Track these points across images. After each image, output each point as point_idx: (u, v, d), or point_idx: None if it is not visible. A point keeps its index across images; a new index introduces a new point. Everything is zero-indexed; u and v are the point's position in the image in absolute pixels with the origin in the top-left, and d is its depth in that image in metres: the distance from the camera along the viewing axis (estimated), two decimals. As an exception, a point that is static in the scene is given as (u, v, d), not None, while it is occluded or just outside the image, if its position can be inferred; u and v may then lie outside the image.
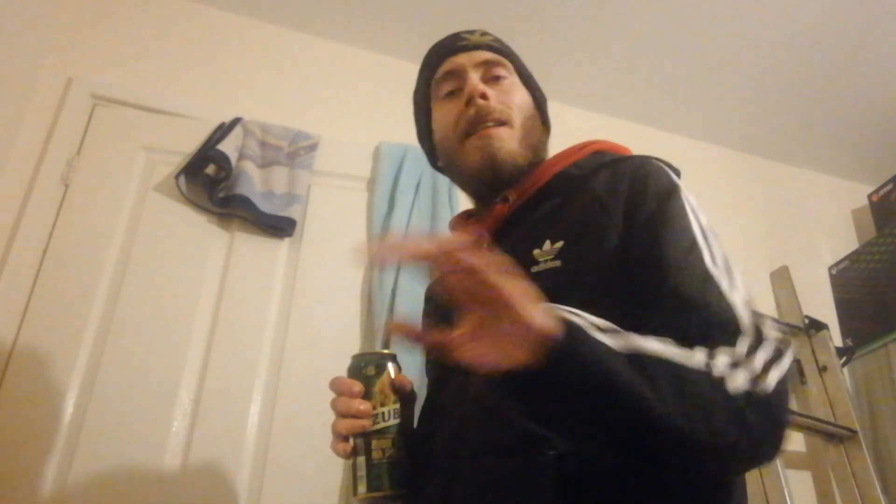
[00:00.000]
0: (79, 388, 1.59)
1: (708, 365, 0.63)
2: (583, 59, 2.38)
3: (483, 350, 0.57)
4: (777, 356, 0.67)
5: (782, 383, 0.65)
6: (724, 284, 0.72)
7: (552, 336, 0.57)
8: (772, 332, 0.69)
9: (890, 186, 2.61)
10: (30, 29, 1.83)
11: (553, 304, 0.61)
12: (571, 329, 0.59)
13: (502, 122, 0.92)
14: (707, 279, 0.72)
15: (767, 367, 0.65)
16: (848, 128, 2.64)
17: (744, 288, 0.74)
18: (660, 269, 0.74)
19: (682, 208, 0.80)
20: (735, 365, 0.64)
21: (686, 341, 0.65)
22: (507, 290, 0.56)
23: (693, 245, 0.76)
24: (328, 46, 2.30)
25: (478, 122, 0.92)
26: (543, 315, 0.58)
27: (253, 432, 1.66)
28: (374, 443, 0.80)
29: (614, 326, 0.63)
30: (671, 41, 2.31)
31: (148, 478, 1.54)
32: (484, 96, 0.92)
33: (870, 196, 2.69)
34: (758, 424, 0.62)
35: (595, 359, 0.58)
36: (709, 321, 0.69)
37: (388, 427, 0.80)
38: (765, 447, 0.65)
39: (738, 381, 0.63)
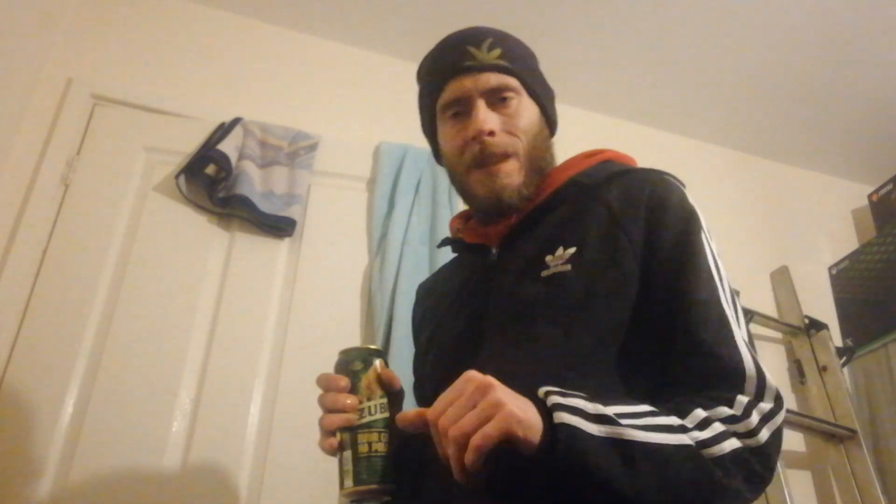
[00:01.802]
0: (79, 388, 1.59)
1: (697, 435, 0.68)
2: (584, 59, 2.38)
3: (473, 423, 0.62)
4: (773, 411, 0.73)
5: (774, 435, 0.73)
6: (734, 328, 0.78)
7: (544, 434, 0.63)
8: (771, 383, 0.75)
9: (890, 186, 2.61)
10: (30, 29, 1.83)
11: (545, 389, 0.67)
12: (560, 429, 0.63)
13: (508, 156, 0.93)
14: (722, 324, 0.78)
15: (763, 421, 0.72)
16: (848, 128, 2.63)
17: (744, 322, 0.81)
18: (680, 307, 0.79)
19: (701, 239, 0.84)
20: (731, 421, 0.71)
21: (689, 389, 0.74)
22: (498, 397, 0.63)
23: (711, 284, 0.81)
24: (328, 46, 2.30)
25: (483, 158, 0.93)
26: (534, 413, 0.63)
27: (253, 432, 1.66)
28: (360, 437, 0.79)
29: (601, 410, 0.66)
30: (672, 42, 2.31)
31: (148, 478, 1.54)
32: (491, 133, 0.92)
33: (870, 196, 2.68)
34: (747, 473, 0.70)
35: (581, 458, 0.63)
36: (716, 372, 0.75)
37: (374, 421, 0.80)
38: (754, 485, 0.71)
39: (726, 446, 0.69)
